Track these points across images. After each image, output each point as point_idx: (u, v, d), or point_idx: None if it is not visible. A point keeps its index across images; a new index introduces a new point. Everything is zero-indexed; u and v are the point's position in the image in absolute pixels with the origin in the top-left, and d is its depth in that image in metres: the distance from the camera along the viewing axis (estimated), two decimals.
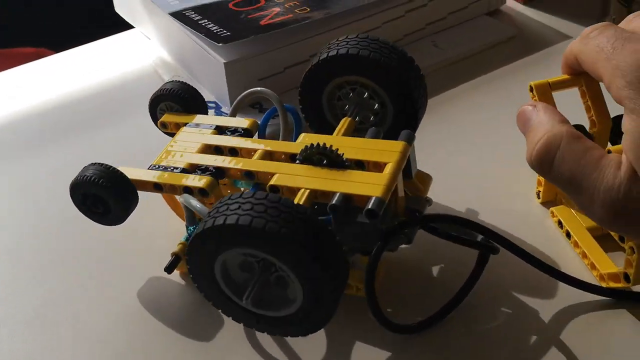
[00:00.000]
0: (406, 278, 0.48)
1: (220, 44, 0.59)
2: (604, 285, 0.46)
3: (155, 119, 0.53)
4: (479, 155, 0.58)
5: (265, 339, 0.45)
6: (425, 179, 0.49)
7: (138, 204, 0.46)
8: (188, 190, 0.44)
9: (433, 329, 0.44)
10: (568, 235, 0.49)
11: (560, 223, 0.50)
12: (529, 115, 0.41)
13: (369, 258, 0.42)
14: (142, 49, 0.74)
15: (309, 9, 0.64)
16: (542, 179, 0.52)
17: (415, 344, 0.44)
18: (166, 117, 0.51)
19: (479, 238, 0.44)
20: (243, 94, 0.50)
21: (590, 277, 0.46)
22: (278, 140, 0.48)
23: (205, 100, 0.53)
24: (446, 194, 0.53)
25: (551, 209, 0.51)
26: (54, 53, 0.76)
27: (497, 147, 0.59)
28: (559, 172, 0.38)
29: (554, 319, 0.45)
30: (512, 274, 0.47)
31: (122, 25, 0.76)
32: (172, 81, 0.52)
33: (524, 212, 0.52)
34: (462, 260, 0.46)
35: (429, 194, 0.49)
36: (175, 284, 0.49)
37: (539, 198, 0.53)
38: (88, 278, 0.50)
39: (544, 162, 0.39)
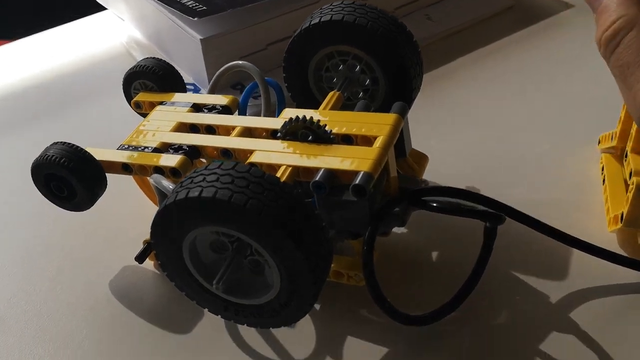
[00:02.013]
0: (402, 264, 0.44)
1: (196, 19, 0.56)
2: (609, 230, 0.44)
3: (129, 98, 0.50)
4: (479, 131, 0.55)
5: (247, 331, 0.41)
6: (421, 158, 0.46)
7: (108, 189, 0.43)
8: (159, 170, 0.41)
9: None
10: (604, 181, 0.48)
11: (603, 169, 0.49)
12: None
13: (363, 242, 0.39)
14: (115, 30, 0.71)
15: None
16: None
17: (412, 336, 0.40)
18: (141, 96, 0.48)
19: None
20: (221, 69, 0.47)
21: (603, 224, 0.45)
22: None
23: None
24: (445, 175, 0.49)
25: (602, 154, 0.50)
26: None
27: (498, 122, 0.56)
28: (618, 58, 0.37)
29: (569, 303, 0.41)
30: (520, 250, 0.44)
31: (94, 7, 0.74)
32: (148, 58, 0.49)
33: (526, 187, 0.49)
34: (463, 240, 0.43)
35: (426, 176, 0.46)
36: (150, 273, 0.45)
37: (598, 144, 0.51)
38: (55, 270, 0.46)
39: (609, 46, 0.37)
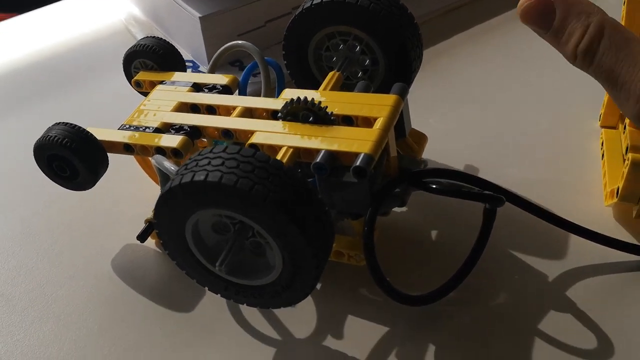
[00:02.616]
0: (401, 243, 0.45)
1: None
2: (605, 204, 0.45)
3: (129, 77, 0.49)
4: (478, 109, 0.55)
5: (249, 310, 0.42)
6: (420, 138, 0.46)
7: (110, 168, 0.43)
8: (160, 151, 0.41)
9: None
10: (603, 156, 0.48)
11: (602, 144, 0.49)
12: (546, 8, 0.38)
13: (364, 223, 0.39)
14: (114, 7, 0.70)
15: None
16: (605, 100, 0.50)
17: (411, 316, 0.41)
18: (141, 75, 0.48)
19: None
20: (221, 49, 0.47)
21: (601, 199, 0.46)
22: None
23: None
24: (444, 153, 0.49)
25: (602, 130, 0.50)
26: None
27: (497, 99, 0.56)
28: (600, 65, 0.37)
29: (567, 282, 0.42)
30: (518, 230, 0.44)
31: None
32: (148, 37, 0.49)
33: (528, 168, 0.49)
34: (462, 221, 0.44)
35: (425, 155, 0.46)
36: (152, 252, 0.46)
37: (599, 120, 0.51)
38: (58, 249, 0.47)
39: (588, 56, 0.37)
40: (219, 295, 0.40)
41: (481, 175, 0.48)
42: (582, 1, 0.38)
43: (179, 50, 0.49)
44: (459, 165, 0.49)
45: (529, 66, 0.59)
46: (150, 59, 0.48)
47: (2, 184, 0.52)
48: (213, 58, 0.47)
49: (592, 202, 0.46)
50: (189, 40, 0.60)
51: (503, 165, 0.49)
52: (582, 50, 0.37)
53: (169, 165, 0.40)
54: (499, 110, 0.55)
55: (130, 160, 0.46)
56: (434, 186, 0.40)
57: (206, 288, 0.40)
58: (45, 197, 0.50)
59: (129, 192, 0.49)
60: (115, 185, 0.48)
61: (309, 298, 0.41)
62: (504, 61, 0.60)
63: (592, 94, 0.52)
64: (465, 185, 0.40)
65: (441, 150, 0.49)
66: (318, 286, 0.42)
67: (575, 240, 0.43)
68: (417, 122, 0.46)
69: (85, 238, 0.47)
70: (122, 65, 0.49)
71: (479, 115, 0.54)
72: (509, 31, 0.62)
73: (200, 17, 0.56)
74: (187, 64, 0.59)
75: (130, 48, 0.48)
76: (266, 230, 0.34)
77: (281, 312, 0.41)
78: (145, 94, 0.47)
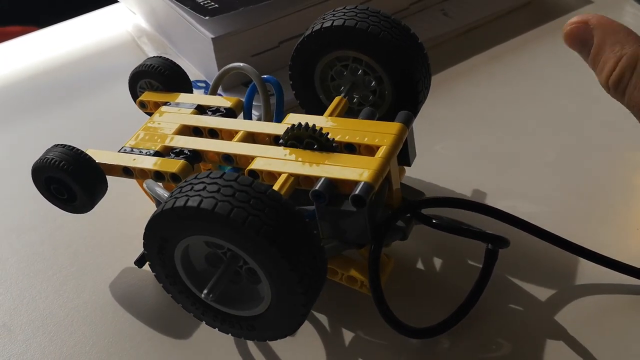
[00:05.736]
0: (401, 277, 0.43)
1: (207, 17, 0.55)
2: None
3: (135, 96, 0.49)
4: (496, 134, 0.53)
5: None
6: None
7: (109, 189, 0.42)
8: (159, 175, 0.40)
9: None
10: None
11: None
12: (585, 35, 0.38)
13: (368, 259, 0.38)
14: (127, 24, 0.70)
15: None
16: None
17: (412, 349, 0.39)
18: (146, 96, 0.48)
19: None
20: (220, 71, 0.46)
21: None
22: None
23: (196, 79, 0.49)
24: (460, 180, 0.48)
25: None
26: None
27: (516, 125, 0.54)
28: (631, 99, 0.36)
29: (574, 317, 0.40)
30: (524, 257, 0.43)
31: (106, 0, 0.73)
32: (154, 57, 0.48)
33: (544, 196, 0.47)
34: (466, 253, 0.42)
35: (442, 179, 0.46)
36: (151, 277, 0.44)
37: None
38: (56, 273, 0.46)
39: (619, 89, 0.37)
40: (204, 322, 0.39)
41: (496, 203, 0.47)
42: (619, 30, 0.37)
43: (192, 70, 0.48)
44: (467, 192, 0.48)
45: (550, 89, 0.57)
46: (155, 79, 0.47)
47: (11, 207, 0.51)
48: (214, 80, 0.46)
49: (629, 238, 0.44)
50: (201, 61, 0.59)
51: (521, 194, 0.48)
52: (613, 82, 0.36)
53: (161, 191, 0.39)
54: (516, 134, 0.53)
55: (130, 183, 0.45)
56: (437, 222, 0.39)
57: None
58: (43, 217, 0.49)
59: (128, 215, 0.48)
60: (114, 208, 0.47)
61: (309, 328, 0.41)
62: (520, 83, 0.58)
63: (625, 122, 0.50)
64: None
65: (457, 176, 0.48)
66: (319, 317, 0.41)
67: (587, 272, 0.42)
68: (429, 144, 0.45)
69: (92, 265, 0.46)
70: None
71: (496, 139, 0.53)
72: (529, 52, 0.61)
73: (212, 38, 0.56)
74: (200, 84, 0.58)
75: (136, 68, 0.48)
76: (257, 263, 0.33)
77: (280, 343, 0.40)
78: (150, 115, 0.47)
